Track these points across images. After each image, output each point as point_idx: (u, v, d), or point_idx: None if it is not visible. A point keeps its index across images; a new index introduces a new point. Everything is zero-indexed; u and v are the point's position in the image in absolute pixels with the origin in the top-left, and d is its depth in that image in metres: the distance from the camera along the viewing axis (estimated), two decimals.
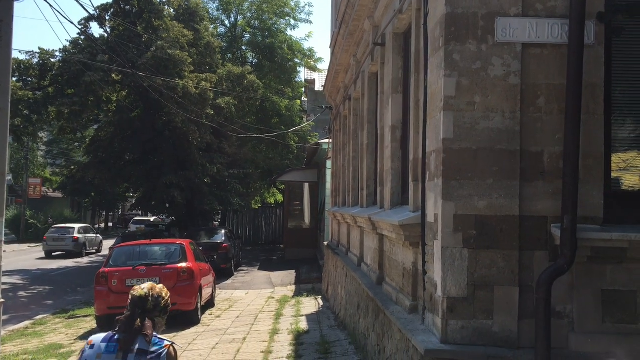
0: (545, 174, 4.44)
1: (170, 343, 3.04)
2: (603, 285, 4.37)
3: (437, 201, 4.58)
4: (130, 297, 3.11)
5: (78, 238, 28.60)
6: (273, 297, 16.14)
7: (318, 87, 34.30)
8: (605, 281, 4.37)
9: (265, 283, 19.55)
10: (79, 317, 13.62)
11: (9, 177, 42.32)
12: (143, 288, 3.12)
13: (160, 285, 3.22)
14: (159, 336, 3.06)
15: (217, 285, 18.45)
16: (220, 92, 24.54)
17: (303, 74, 37.87)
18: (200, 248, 20.76)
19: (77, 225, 30.51)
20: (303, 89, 38.21)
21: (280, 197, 38.91)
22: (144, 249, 12.00)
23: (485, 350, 4.27)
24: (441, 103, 4.50)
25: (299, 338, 9.67)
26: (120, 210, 67.18)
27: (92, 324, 12.19)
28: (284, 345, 9.18)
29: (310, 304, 14.23)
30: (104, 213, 60.92)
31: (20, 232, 40.38)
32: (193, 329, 11.23)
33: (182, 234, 23.84)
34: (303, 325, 11.02)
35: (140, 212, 47.77)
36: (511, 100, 4.45)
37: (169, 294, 3.22)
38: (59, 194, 55.42)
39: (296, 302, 14.78)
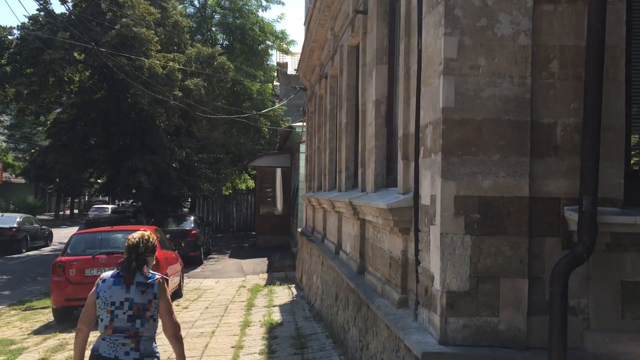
0: (558, 149, 3.86)
1: (160, 276, 3.94)
2: (622, 276, 3.83)
3: (434, 180, 3.98)
4: (126, 244, 3.98)
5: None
6: (244, 286, 15.48)
7: (290, 70, 33.40)
8: (625, 272, 3.83)
9: (236, 271, 18.86)
10: (37, 308, 12.76)
11: None
12: (135, 237, 3.96)
13: (148, 232, 4.10)
14: (152, 272, 3.93)
15: (185, 274, 17.70)
16: (189, 73, 23.55)
17: (275, 57, 36.94)
18: (168, 235, 19.95)
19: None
20: (275, 73, 37.28)
21: (251, 183, 38.01)
22: (105, 237, 11.18)
23: (491, 351, 3.70)
24: (440, 67, 3.88)
25: (272, 331, 9.05)
26: (86, 197, 65.24)
27: (49, 316, 11.36)
28: (256, 340, 8.55)
29: (284, 293, 13.61)
30: (69, 199, 59.09)
31: None
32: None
33: (149, 221, 22.93)
34: (276, 316, 10.40)
35: (106, 199, 46.31)
36: (520, 63, 3.85)
37: (155, 237, 4.13)
38: (22, 180, 53.48)
39: (269, 291, 14.16)
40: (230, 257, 22.67)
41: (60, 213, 57.14)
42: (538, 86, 3.87)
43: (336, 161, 9.84)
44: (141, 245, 3.90)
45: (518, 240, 3.81)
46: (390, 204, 4.72)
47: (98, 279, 3.94)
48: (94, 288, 3.88)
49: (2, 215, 24.60)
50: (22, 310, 12.75)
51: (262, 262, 20.69)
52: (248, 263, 20.58)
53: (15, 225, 23.66)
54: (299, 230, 15.89)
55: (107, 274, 3.92)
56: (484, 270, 3.80)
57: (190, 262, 19.00)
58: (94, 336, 3.94)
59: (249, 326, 9.62)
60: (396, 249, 5.05)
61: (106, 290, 3.81)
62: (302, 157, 19.06)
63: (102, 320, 3.80)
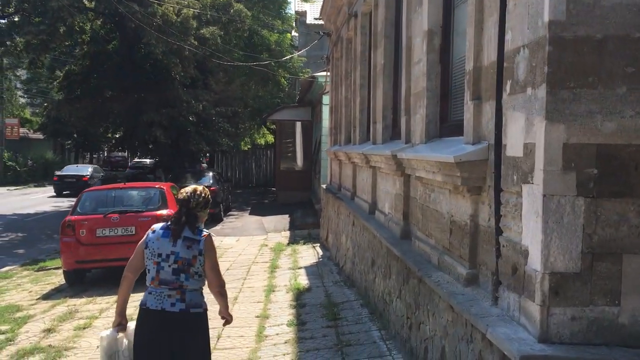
0: None
1: (208, 233, 3.84)
2: None
3: (531, 124, 2.95)
4: (178, 198, 3.89)
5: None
6: (266, 245, 14.72)
7: (310, 19, 31.88)
8: None
9: (257, 229, 18.09)
10: (49, 269, 12.11)
11: None
12: (186, 192, 3.89)
13: (201, 187, 4.00)
14: (201, 228, 3.84)
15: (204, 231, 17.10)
16: (205, 21, 22.31)
17: (293, 5, 35.35)
18: None
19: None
20: (293, 23, 35.73)
21: (270, 138, 37.06)
22: (117, 194, 10.36)
23: (610, 352, 2.75)
24: None
25: (300, 297, 8.23)
26: (105, 152, 64.90)
27: (61, 278, 10.67)
28: (282, 308, 7.74)
29: (309, 254, 12.81)
30: (88, 155, 58.75)
31: None
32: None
33: (167, 177, 22.22)
34: (303, 280, 9.59)
35: (125, 154, 45.66)
36: None
37: (207, 192, 3.99)
38: (40, 136, 53.08)
39: (292, 250, 13.36)
40: (250, 214, 21.92)
41: None
42: None
43: (369, 110, 8.80)
44: (192, 200, 3.84)
45: None
46: (458, 157, 3.71)
47: (149, 230, 3.91)
48: (144, 238, 3.88)
49: (77, 166, 32.47)
50: (35, 271, 12.13)
51: (283, 220, 19.91)
52: (269, 220, 19.82)
53: (89, 173, 28.93)
54: (323, 186, 14.96)
55: (158, 225, 3.91)
56: (602, 244, 2.81)
57: (209, 220, 18.25)
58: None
59: (273, 291, 8.82)
60: (461, 212, 4.07)
61: (154, 241, 3.80)
62: (325, 109, 17.98)
63: (149, 271, 3.80)
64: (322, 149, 18.84)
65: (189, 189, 3.94)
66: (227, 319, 4.05)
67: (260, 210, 22.76)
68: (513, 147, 3.20)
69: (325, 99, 17.91)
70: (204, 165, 37.95)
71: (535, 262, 2.89)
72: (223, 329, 6.30)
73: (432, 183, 4.75)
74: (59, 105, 23.41)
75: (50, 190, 33.44)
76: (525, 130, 3.02)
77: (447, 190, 4.38)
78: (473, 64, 3.87)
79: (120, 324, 3.88)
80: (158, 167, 26.55)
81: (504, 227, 3.35)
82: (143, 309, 3.78)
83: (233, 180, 33.55)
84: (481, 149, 3.67)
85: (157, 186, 10.58)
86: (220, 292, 3.88)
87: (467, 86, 3.98)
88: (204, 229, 3.86)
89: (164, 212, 9.96)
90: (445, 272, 4.31)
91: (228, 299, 4.07)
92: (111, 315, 7.72)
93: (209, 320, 3.91)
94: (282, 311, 7.56)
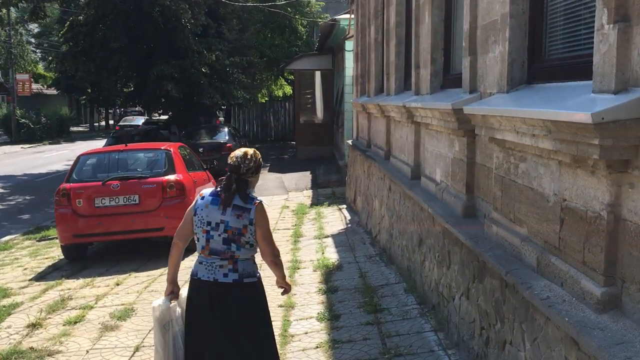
0: None
1: (259, 201, 3.57)
2: None
3: None
4: (228, 162, 3.63)
5: None
6: (288, 207, 13.51)
7: None
8: None
9: (277, 187, 16.83)
10: (52, 238, 11.06)
11: None
12: (237, 156, 3.62)
13: (252, 150, 3.72)
14: (253, 195, 3.58)
15: None
16: None
17: None
18: (201, 149, 18.07)
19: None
20: None
21: (289, 90, 35.41)
22: (118, 157, 9.09)
23: None
24: None
25: (330, 278, 7.00)
26: (121, 108, 63.75)
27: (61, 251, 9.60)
28: (310, 293, 6.51)
29: (334, 218, 11.56)
30: (103, 110, 57.61)
31: (12, 133, 37.56)
32: (187, 261, 8.62)
33: (181, 133, 20.97)
34: (331, 253, 8.36)
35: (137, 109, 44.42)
36: None
37: (258, 155, 3.75)
38: (54, 92, 51.96)
39: (316, 214, 12.12)
40: (269, 171, 20.64)
41: (95, 125, 56.03)
42: None
43: (408, 53, 7.32)
44: (242, 166, 3.60)
45: None
46: (599, 114, 2.31)
47: (198, 195, 3.70)
48: (193, 204, 3.68)
49: (133, 118, 33.86)
50: (37, 241, 11.11)
51: (304, 177, 18.65)
52: (289, 178, 18.58)
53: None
54: (349, 142, 13.57)
55: (207, 190, 3.70)
56: None
57: None
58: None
59: (298, 269, 7.61)
60: (585, 197, 2.69)
61: (203, 208, 3.58)
62: (349, 57, 16.39)
63: (198, 240, 3.61)
64: (345, 100, 17.34)
65: (238, 152, 3.66)
66: (285, 288, 3.87)
67: (279, 166, 21.49)
68: None
69: (349, 45, 16.29)
70: (221, 119, 36.64)
71: None
72: None
73: (526, 150, 3.35)
74: (64, 58, 22.01)
75: (65, 147, 32.61)
76: None
77: (555, 161, 2.99)
78: None
79: (172, 292, 3.69)
80: (172, 123, 25.26)
81: None
82: (194, 279, 3.59)
83: (251, 134, 32.21)
84: (636, 102, 2.27)
85: (163, 147, 9.26)
86: (275, 262, 3.69)
87: (603, 7, 2.53)
88: (256, 196, 3.58)
89: (171, 177, 8.70)
90: (555, 283, 2.96)
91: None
92: (109, 303, 6.60)
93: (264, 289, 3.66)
94: (310, 298, 6.33)
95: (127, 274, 7.82)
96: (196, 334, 3.56)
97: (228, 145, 18.27)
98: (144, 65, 20.96)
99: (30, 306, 6.60)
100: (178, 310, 3.67)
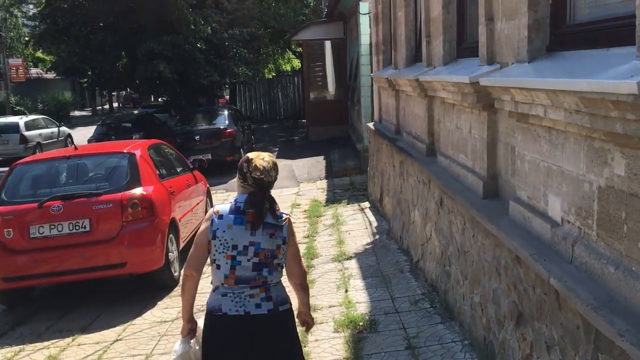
0: None
1: (288, 216, 3.16)
2: None
3: None
4: (255, 175, 2.99)
5: (26, 138, 19.47)
6: (299, 205, 11.20)
7: None
8: None
9: (286, 178, 14.38)
10: None
11: None
12: (266, 169, 3.00)
13: (267, 156, 3.09)
14: (280, 210, 3.14)
15: (222, 186, 13.67)
16: None
17: None
18: (197, 137, 15.69)
19: (22, 120, 20.39)
20: None
21: (297, 63, 32.70)
22: (64, 166, 6.69)
23: None
24: None
25: (360, 351, 4.63)
26: (127, 90, 61.30)
27: None
28: None
29: (357, 223, 9.18)
30: (106, 93, 55.24)
31: None
32: (164, 302, 6.30)
33: (175, 118, 18.61)
34: (358, 291, 6.00)
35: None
36: None
37: (273, 159, 3.15)
38: (55, 75, 49.66)
39: (334, 216, 9.77)
40: (278, 157, 18.13)
41: (98, 108, 53.76)
42: None
43: (452, 9, 4.83)
44: (273, 180, 3.06)
45: None
46: None
47: (212, 212, 3.02)
48: (207, 224, 3.00)
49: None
50: None
51: (317, 163, 16.27)
52: (300, 165, 16.21)
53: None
54: (370, 125, 11.07)
55: (224, 207, 3.03)
56: None
57: (228, 170, 14.61)
58: None
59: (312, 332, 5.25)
60: None
61: (226, 230, 2.95)
62: (364, 20, 13.79)
63: (218, 267, 2.97)
64: (361, 74, 14.78)
65: (264, 164, 2.99)
66: (308, 322, 3.26)
67: (289, 151, 19.07)
68: None
69: (364, 7, 13.68)
70: (227, 97, 34.10)
71: None
72: None
73: None
74: (41, 38, 19.59)
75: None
76: None
77: None
78: None
79: (191, 330, 3.09)
80: (170, 106, 22.87)
81: None
82: (217, 316, 2.94)
83: (258, 113, 29.76)
84: None
85: (125, 150, 6.83)
86: (302, 285, 3.16)
87: None
88: (284, 211, 3.09)
89: (135, 192, 6.31)
90: None
91: None
92: None
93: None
94: None
95: (71, 338, 5.53)
96: None
97: (228, 131, 15.86)
98: (132, 43, 18.52)
99: None
100: (197, 347, 3.09)
